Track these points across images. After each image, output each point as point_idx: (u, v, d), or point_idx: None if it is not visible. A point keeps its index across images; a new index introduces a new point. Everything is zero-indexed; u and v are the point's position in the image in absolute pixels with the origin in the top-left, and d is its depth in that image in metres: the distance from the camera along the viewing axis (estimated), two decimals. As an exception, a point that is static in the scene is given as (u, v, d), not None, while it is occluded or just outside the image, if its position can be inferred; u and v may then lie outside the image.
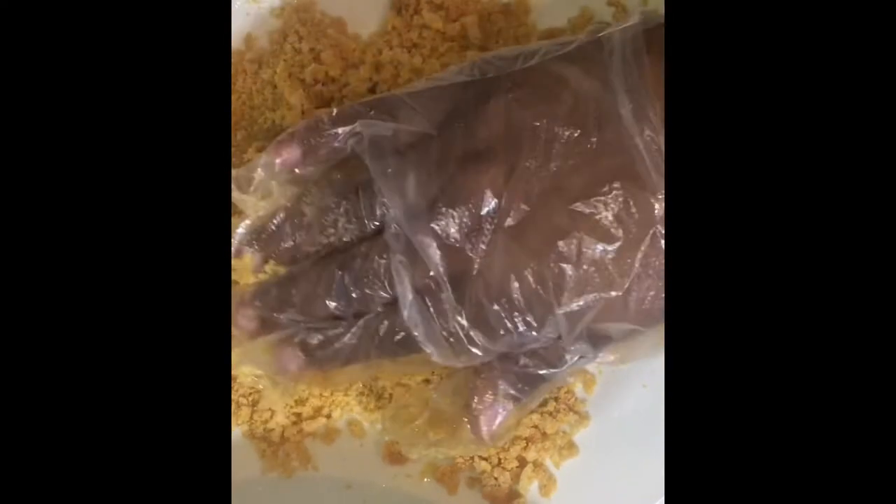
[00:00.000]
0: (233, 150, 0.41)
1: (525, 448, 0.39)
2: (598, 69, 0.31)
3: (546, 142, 0.31)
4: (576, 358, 0.33)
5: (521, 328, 0.31)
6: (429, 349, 0.32)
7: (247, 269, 0.35)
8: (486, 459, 0.39)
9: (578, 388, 0.41)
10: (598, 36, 0.32)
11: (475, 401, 0.33)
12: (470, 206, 0.31)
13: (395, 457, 0.40)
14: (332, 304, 0.33)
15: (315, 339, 0.34)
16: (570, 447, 0.39)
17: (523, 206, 0.31)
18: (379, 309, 0.34)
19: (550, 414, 0.39)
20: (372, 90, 0.41)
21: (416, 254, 0.32)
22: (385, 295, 0.33)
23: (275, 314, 0.34)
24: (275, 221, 0.35)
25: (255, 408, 0.40)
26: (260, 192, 0.35)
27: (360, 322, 0.33)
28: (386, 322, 0.33)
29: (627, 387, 0.40)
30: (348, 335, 0.33)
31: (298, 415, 0.40)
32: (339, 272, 0.33)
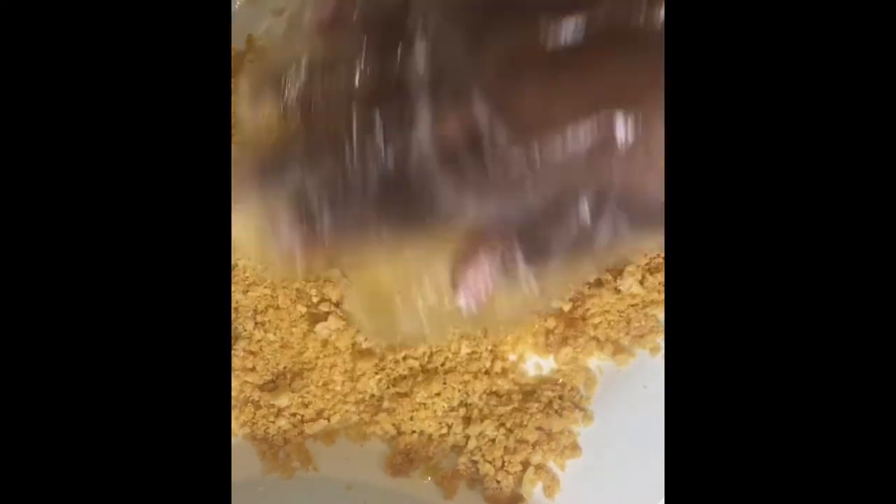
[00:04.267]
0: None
1: (530, 451, 0.39)
2: None
3: None
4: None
5: None
6: None
7: None
8: (490, 462, 0.39)
9: (579, 388, 0.40)
10: None
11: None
12: None
13: (396, 468, 0.40)
14: None
15: None
16: (574, 448, 0.39)
17: None
18: None
19: (556, 412, 0.39)
20: None
21: None
22: None
23: None
24: None
25: (258, 408, 0.40)
26: None
27: None
28: None
29: (628, 388, 0.40)
30: None
31: (301, 416, 0.40)
32: None
